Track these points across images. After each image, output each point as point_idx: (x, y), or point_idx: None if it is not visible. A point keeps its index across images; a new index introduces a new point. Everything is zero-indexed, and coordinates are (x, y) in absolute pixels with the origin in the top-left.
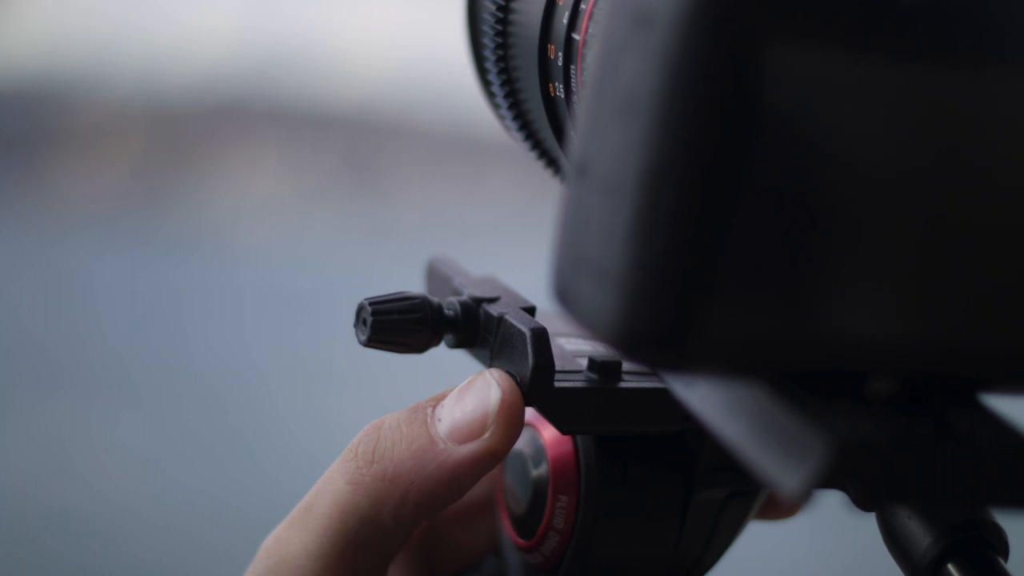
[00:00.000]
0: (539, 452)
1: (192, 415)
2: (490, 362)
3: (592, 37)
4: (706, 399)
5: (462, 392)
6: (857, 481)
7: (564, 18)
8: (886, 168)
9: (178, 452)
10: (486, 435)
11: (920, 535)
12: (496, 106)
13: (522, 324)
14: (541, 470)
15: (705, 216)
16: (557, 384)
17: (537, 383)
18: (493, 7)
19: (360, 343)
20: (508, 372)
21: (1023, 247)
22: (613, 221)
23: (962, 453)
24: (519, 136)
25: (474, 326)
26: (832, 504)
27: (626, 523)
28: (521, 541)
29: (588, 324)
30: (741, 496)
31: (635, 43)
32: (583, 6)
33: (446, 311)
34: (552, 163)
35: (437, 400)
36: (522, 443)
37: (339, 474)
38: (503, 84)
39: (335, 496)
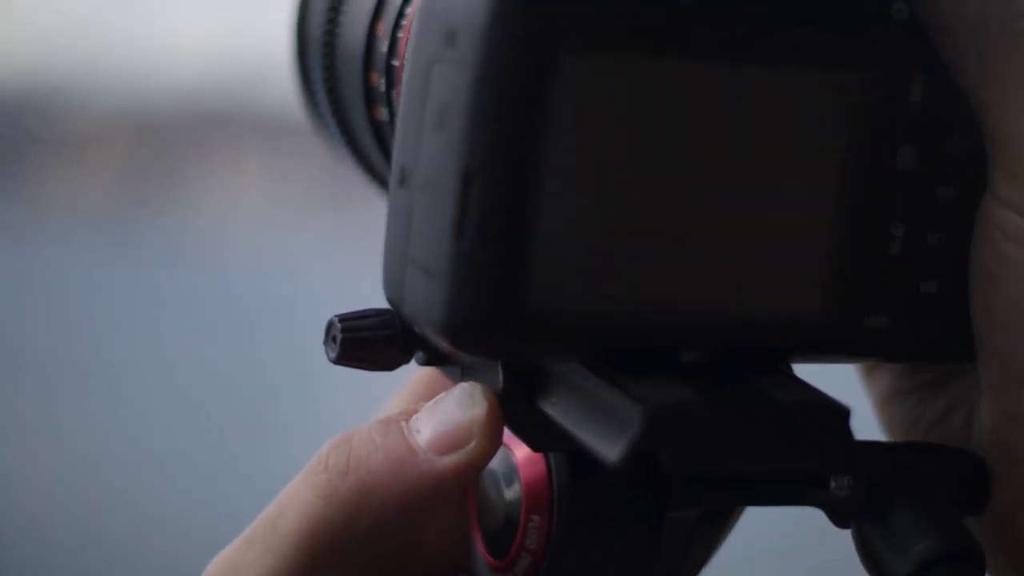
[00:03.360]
0: (511, 471)
1: (178, 418)
2: (461, 379)
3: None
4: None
5: (441, 404)
6: (672, 444)
7: (384, 47)
8: (673, 157)
9: (166, 455)
10: (471, 445)
11: (895, 551)
12: (330, 135)
13: None
14: (514, 490)
15: (513, 212)
16: (529, 402)
17: (509, 400)
18: (320, 40)
19: (330, 360)
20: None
21: (798, 229)
22: (433, 220)
23: (765, 413)
24: (351, 161)
25: None
26: (812, 521)
27: (600, 543)
28: (493, 561)
29: (419, 320)
30: (715, 516)
31: (444, 57)
32: (400, 35)
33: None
34: (384, 185)
35: (408, 414)
36: (494, 462)
37: (307, 487)
38: (335, 113)
39: (304, 511)
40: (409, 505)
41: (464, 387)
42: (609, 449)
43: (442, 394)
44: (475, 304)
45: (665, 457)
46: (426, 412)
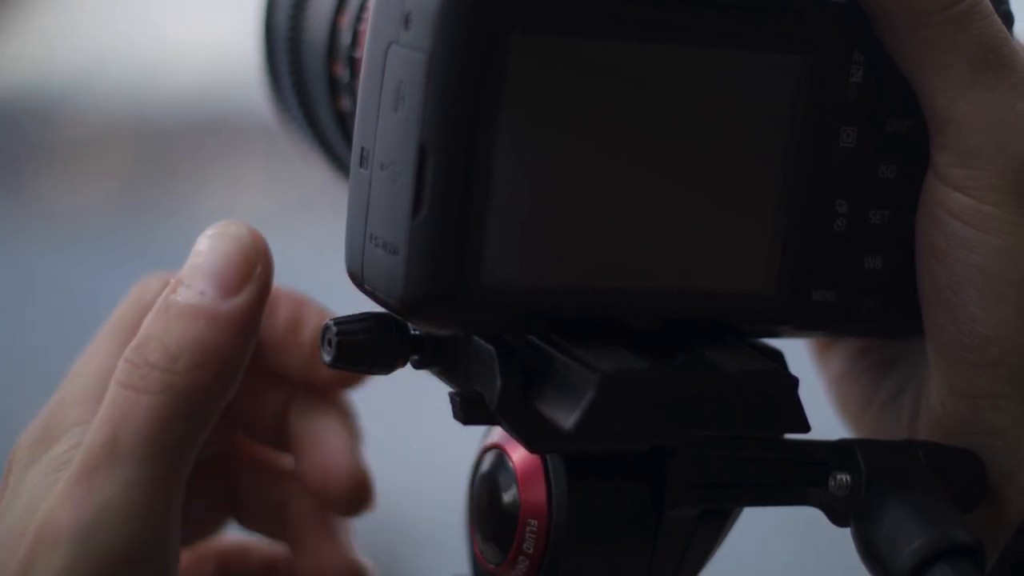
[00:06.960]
0: (509, 475)
1: None
2: (462, 381)
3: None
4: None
5: (204, 255)
6: (625, 410)
7: (347, 39)
8: (622, 137)
9: None
10: (257, 274)
11: (895, 549)
12: (296, 128)
13: (490, 342)
14: (511, 493)
15: (467, 187)
16: (526, 402)
17: (506, 401)
18: (286, 35)
19: (325, 364)
20: (477, 388)
21: (745, 205)
22: (391, 197)
23: (710, 381)
24: (317, 152)
25: (441, 346)
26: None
27: (597, 546)
28: (491, 565)
29: (380, 296)
30: (713, 515)
31: (400, 39)
32: (361, 27)
33: (412, 330)
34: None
35: (175, 284)
36: (491, 465)
37: (136, 391)
38: (301, 105)
39: (147, 411)
40: (226, 354)
41: (212, 230)
42: (565, 417)
43: (197, 245)
44: (432, 278)
45: (618, 425)
46: (198, 267)
